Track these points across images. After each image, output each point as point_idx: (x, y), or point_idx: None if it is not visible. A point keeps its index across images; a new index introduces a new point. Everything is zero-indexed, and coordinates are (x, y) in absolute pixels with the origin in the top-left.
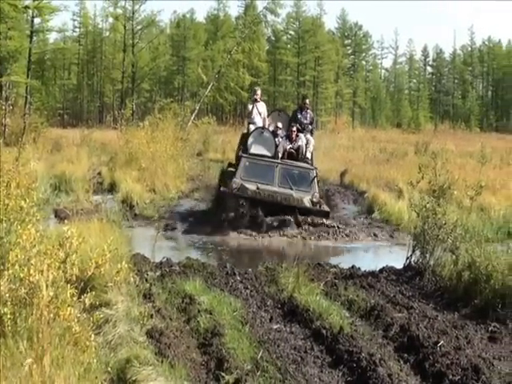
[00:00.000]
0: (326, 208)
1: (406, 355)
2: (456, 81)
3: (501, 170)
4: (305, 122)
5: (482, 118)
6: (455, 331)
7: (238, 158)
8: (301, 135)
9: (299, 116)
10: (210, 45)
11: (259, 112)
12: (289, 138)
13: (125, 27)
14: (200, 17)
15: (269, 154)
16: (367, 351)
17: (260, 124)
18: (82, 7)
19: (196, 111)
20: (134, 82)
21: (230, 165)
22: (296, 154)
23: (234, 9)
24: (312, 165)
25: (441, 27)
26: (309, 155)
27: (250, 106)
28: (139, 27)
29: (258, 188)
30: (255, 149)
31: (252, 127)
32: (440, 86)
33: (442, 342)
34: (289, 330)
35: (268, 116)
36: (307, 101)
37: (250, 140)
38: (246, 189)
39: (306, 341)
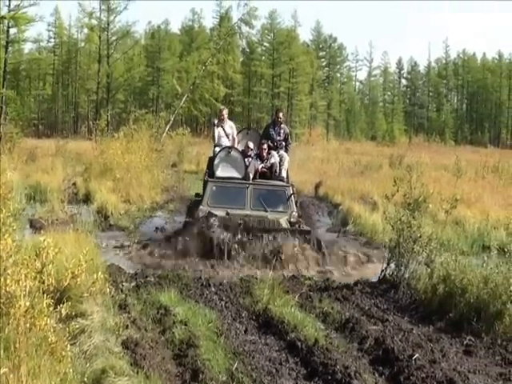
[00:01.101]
0: (305, 227)
1: (380, 368)
2: (430, 94)
3: (476, 183)
4: (278, 138)
5: (456, 131)
6: (430, 344)
7: (204, 184)
8: (273, 152)
9: (272, 132)
10: (184, 56)
11: (226, 134)
12: (259, 156)
13: (100, 38)
14: (175, 28)
15: (238, 176)
16: (342, 364)
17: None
18: (57, 18)
19: (171, 122)
20: (109, 93)
21: (197, 195)
22: (269, 174)
23: (209, 20)
24: (288, 183)
25: (415, 40)
26: (284, 173)
27: (216, 130)
28: (114, 38)
29: (227, 214)
30: (222, 171)
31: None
32: (414, 98)
33: (416, 355)
34: (264, 342)
35: (237, 134)
36: (281, 114)
37: (217, 161)
38: (213, 216)
39: (281, 352)
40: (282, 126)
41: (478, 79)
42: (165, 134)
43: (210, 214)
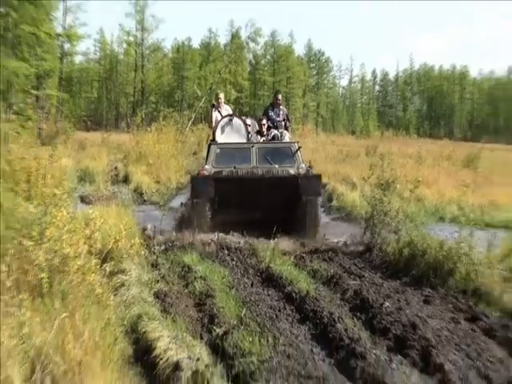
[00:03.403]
0: (315, 173)
1: (358, 314)
2: (398, 97)
3: (433, 169)
4: (277, 119)
5: (418, 127)
6: (397, 295)
7: (207, 147)
8: (273, 130)
9: (271, 113)
10: (203, 66)
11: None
12: (259, 133)
13: (136, 51)
14: (196, 43)
15: (243, 141)
16: (328, 310)
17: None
18: (102, 35)
19: (192, 119)
20: (143, 96)
21: None
22: None
23: (223, 37)
24: None
25: (387, 54)
26: None
27: (214, 113)
28: (147, 51)
29: (234, 167)
30: (225, 138)
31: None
32: (385, 101)
33: (386, 303)
34: (266, 293)
35: None
36: (279, 96)
37: (218, 131)
38: (220, 172)
39: (280, 302)
40: (281, 107)
41: (436, 86)
42: (187, 129)
43: (216, 172)
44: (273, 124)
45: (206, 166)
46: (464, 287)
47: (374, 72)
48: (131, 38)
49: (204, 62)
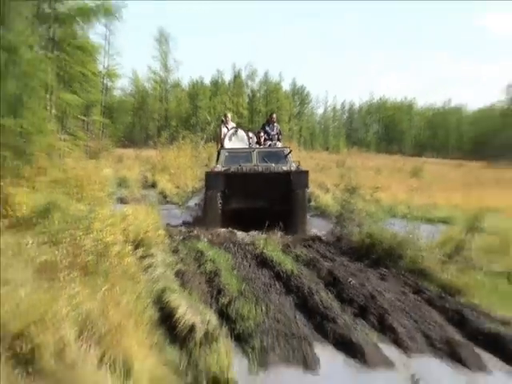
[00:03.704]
0: (304, 169)
1: (331, 288)
2: (361, 123)
3: (388, 178)
4: (272, 133)
5: (377, 145)
6: (360, 274)
7: (218, 153)
8: (268, 141)
9: (267, 128)
10: (212, 98)
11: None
12: (258, 143)
13: (160, 87)
14: (207, 80)
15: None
16: (308, 286)
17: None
18: (135, 74)
19: (204, 139)
20: (166, 121)
21: None
22: None
23: (228, 76)
24: None
25: (353, 89)
26: None
27: (223, 128)
28: (169, 87)
29: (240, 165)
30: (231, 145)
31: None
32: (351, 126)
33: (352, 280)
34: (260, 273)
35: None
36: (274, 115)
37: (226, 140)
38: (228, 169)
39: (271, 279)
40: (275, 124)
41: (389, 115)
42: (200, 146)
43: (226, 169)
44: (268, 137)
45: (218, 166)
46: (411, 268)
47: (343, 103)
48: (157, 77)
49: (213, 95)
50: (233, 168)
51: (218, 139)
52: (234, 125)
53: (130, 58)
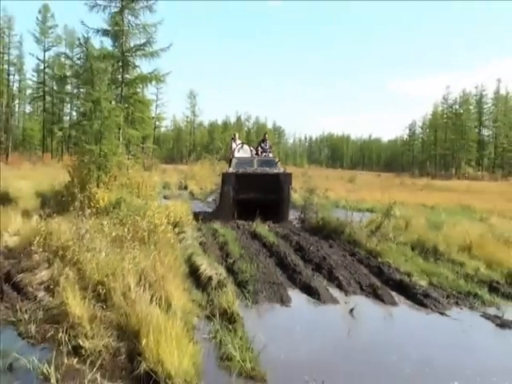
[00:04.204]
0: (288, 172)
1: (298, 253)
2: (316, 149)
3: (335, 182)
4: (266, 147)
5: (327, 163)
6: (316, 243)
7: (230, 160)
8: (264, 153)
9: (262, 144)
10: (223, 132)
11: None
12: (257, 154)
13: (190, 125)
14: (219, 121)
15: (248, 157)
16: (283, 251)
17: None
18: (174, 118)
19: (218, 159)
20: (194, 147)
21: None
22: None
23: (233, 119)
24: None
25: (314, 125)
26: None
27: (234, 145)
28: (196, 125)
29: (245, 168)
30: (240, 155)
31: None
32: (311, 150)
33: (311, 247)
34: (253, 243)
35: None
36: (266, 135)
37: (236, 151)
38: (238, 171)
39: (260, 247)
40: (267, 141)
41: (334, 143)
42: (215, 163)
43: (236, 170)
44: (263, 149)
45: (230, 169)
46: (348, 239)
47: (305, 136)
48: (188, 119)
49: (223, 131)
50: (240, 170)
51: (229, 151)
52: (241, 142)
53: (171, 107)
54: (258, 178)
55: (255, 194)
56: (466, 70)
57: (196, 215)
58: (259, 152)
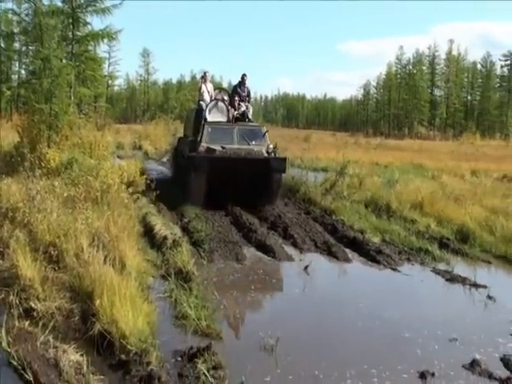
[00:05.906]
0: (281, 156)
1: (253, 211)
2: (272, 108)
3: (289, 143)
4: (243, 94)
5: (283, 123)
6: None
7: (201, 127)
8: (241, 103)
9: (238, 90)
10: (178, 92)
11: (208, 91)
12: (232, 106)
13: (144, 84)
14: (174, 81)
15: (224, 120)
16: (238, 210)
17: (208, 101)
18: (127, 76)
19: (172, 118)
20: (148, 106)
21: (179, 139)
22: (242, 118)
23: (187, 78)
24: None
25: (267, 84)
26: (251, 118)
27: (203, 86)
28: (150, 85)
29: (223, 147)
30: (213, 117)
31: (202, 104)
32: (266, 110)
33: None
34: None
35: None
36: (245, 78)
37: (207, 111)
38: (213, 150)
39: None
40: (246, 85)
41: (290, 103)
42: (170, 123)
43: (209, 149)
44: (239, 98)
45: (202, 144)
46: (303, 198)
47: (261, 96)
48: (142, 78)
49: (178, 90)
50: (217, 151)
51: (199, 96)
52: (211, 85)
53: (124, 66)
54: (241, 163)
55: (235, 187)
56: (420, 31)
57: (150, 175)
58: (236, 104)
